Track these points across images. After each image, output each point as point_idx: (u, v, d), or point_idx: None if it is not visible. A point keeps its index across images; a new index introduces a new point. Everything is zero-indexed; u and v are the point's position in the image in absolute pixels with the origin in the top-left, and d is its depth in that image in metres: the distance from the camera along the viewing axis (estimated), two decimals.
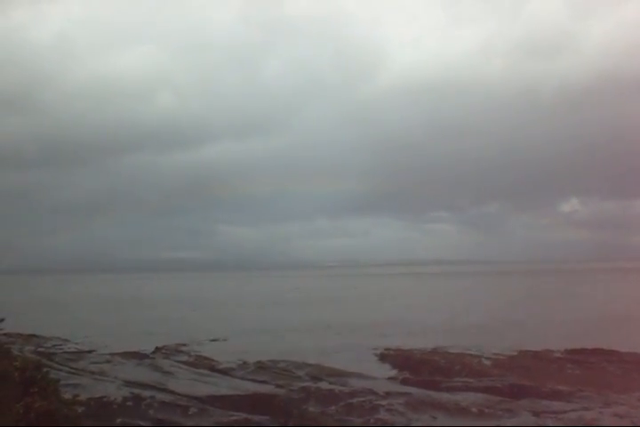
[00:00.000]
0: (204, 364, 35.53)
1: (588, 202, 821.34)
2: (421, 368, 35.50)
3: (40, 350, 39.54)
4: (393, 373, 35.63)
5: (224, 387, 27.73)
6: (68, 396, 15.79)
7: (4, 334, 41.92)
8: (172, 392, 25.74)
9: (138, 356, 37.40)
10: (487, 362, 37.71)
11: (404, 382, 31.09)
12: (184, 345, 45.84)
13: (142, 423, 22.00)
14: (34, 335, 48.29)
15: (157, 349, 41.77)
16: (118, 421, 21.97)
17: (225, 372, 32.59)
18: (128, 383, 26.97)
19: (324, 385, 28.05)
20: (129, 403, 23.42)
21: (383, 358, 40.83)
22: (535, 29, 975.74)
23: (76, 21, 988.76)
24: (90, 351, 41.04)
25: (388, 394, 26.17)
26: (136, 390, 25.12)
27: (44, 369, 16.00)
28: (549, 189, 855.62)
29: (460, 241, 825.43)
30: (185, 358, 38.35)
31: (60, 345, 45.07)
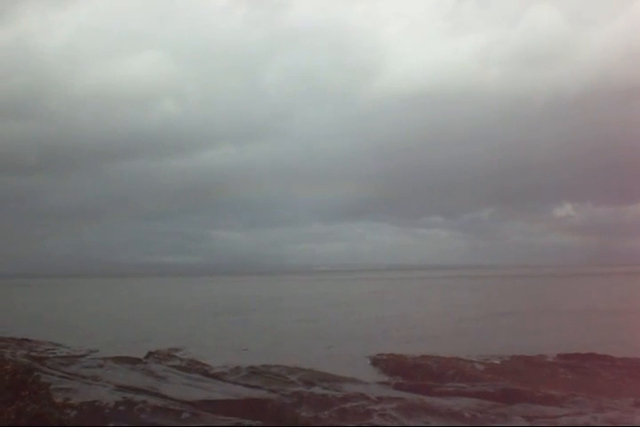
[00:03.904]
0: (196, 368, 35.44)
1: (582, 207, 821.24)
2: (414, 373, 35.50)
3: (32, 354, 39.38)
4: (385, 378, 35.59)
5: (216, 392, 27.67)
6: (59, 400, 15.75)
7: None
8: (164, 397, 25.67)
9: (130, 360, 37.20)
10: (480, 367, 37.68)
11: (397, 386, 31.06)
12: (177, 350, 45.70)
13: None
14: (26, 340, 48.15)
15: (150, 353, 41.58)
16: (110, 425, 21.92)
17: (217, 377, 32.51)
18: (120, 388, 26.88)
19: (316, 390, 27.99)
20: (121, 407, 23.35)
21: (376, 362, 40.78)
22: (533, 38, 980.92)
23: (83, 29, 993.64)
24: (82, 356, 40.88)
25: (380, 399, 26.13)
26: (128, 395, 25.05)
27: (35, 373, 15.96)
28: (543, 194, 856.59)
29: (453, 246, 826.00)
30: (177, 362, 38.21)
31: (53, 350, 44.93)
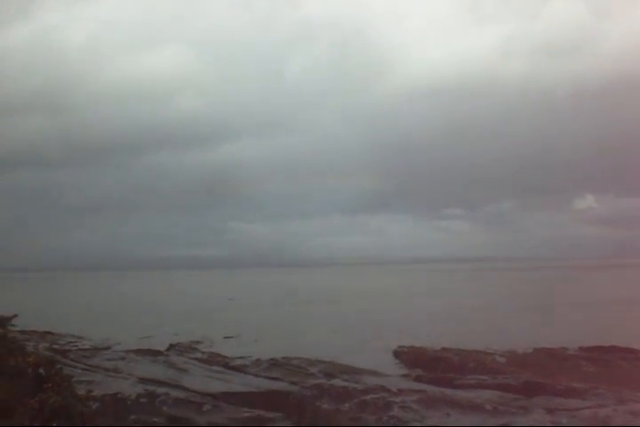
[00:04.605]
0: (217, 361, 35.61)
1: (604, 199, 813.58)
2: (435, 365, 35.41)
3: (55, 346, 39.68)
4: (406, 370, 35.56)
5: (237, 384, 27.80)
6: (82, 392, 15.86)
7: (19, 331, 42.26)
8: (185, 389, 25.81)
9: (152, 353, 37.45)
10: (501, 359, 37.56)
11: (418, 379, 31.03)
12: (198, 342, 45.94)
13: (156, 420, 22.10)
14: (49, 332, 48.48)
15: (171, 346, 41.86)
16: (132, 417, 22.09)
17: (238, 369, 32.64)
18: (142, 380, 27.07)
19: (337, 382, 28.02)
20: (143, 399, 23.52)
21: (396, 355, 40.77)
22: (555, 30, 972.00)
23: (106, 24, 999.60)
24: (104, 348, 41.08)
25: (401, 391, 26.13)
26: (150, 387, 25.22)
27: (58, 365, 16.09)
28: (564, 186, 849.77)
29: (474, 239, 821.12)
30: (199, 355, 38.44)
31: (75, 342, 45.20)
